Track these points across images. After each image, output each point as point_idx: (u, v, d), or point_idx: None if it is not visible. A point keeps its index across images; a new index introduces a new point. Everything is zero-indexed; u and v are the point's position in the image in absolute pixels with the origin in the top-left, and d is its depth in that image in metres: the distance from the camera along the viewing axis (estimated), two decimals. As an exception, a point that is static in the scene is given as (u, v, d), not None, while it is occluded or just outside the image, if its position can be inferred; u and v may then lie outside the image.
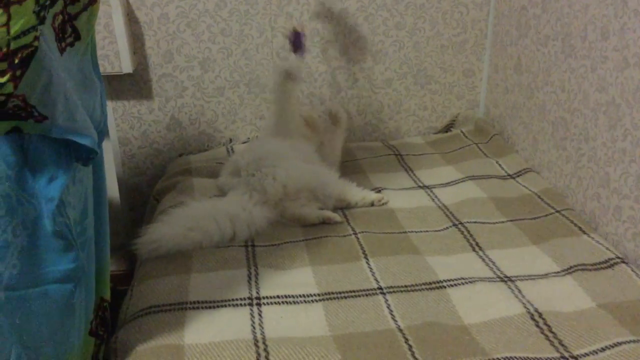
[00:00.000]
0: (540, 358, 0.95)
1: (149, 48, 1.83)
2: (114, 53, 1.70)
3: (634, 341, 0.98)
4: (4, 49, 0.71)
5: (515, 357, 0.95)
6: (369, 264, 1.22)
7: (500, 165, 1.69)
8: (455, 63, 1.98)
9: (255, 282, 1.17)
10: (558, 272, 1.18)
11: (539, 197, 1.49)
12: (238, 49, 1.86)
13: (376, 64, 1.95)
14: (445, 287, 1.14)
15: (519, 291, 1.12)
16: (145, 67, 1.85)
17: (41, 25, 0.75)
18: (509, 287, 1.13)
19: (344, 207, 1.48)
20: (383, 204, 1.50)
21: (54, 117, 0.79)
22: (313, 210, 1.43)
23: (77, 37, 0.87)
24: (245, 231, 1.34)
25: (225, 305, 1.10)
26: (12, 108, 0.75)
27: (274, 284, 1.17)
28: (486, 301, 1.10)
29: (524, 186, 1.56)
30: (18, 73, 0.73)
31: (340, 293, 1.13)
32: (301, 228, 1.39)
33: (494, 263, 1.22)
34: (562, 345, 0.98)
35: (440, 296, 1.12)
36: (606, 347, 0.97)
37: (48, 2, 0.77)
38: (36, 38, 0.74)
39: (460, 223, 1.38)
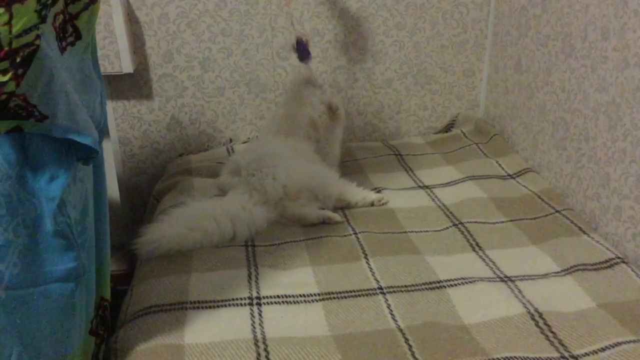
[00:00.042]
0: (540, 358, 0.95)
1: (149, 48, 1.83)
2: (114, 53, 1.70)
3: (634, 341, 0.98)
4: (6, 48, 0.71)
5: (515, 357, 0.95)
6: (369, 264, 1.23)
7: (500, 165, 1.69)
8: (456, 63, 1.98)
9: (256, 282, 1.17)
10: (558, 272, 1.18)
11: (539, 197, 1.49)
12: (238, 49, 1.86)
13: (376, 64, 1.95)
14: (445, 287, 1.14)
15: (519, 291, 1.12)
16: (145, 67, 1.85)
17: (43, 24, 0.75)
18: (509, 287, 1.13)
19: (344, 207, 1.48)
20: (383, 204, 1.50)
21: (55, 117, 0.79)
22: (313, 210, 1.43)
23: (78, 37, 0.87)
24: (245, 231, 1.34)
25: (226, 305, 1.10)
26: (13, 107, 0.75)
27: (274, 283, 1.17)
28: (486, 301, 1.10)
29: (524, 186, 1.56)
30: (20, 71, 0.73)
31: (340, 293, 1.13)
32: (301, 228, 1.39)
33: (494, 263, 1.22)
34: (562, 345, 0.98)
35: (440, 296, 1.12)
36: (606, 347, 0.97)
37: (50, 1, 0.77)
38: (38, 37, 0.74)
39: (461, 223, 1.38)
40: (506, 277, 1.17)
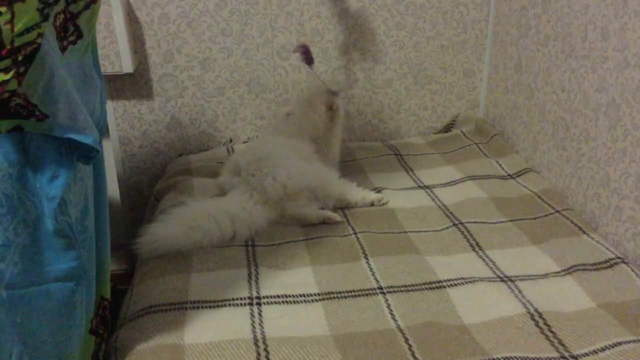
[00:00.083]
0: (540, 358, 0.95)
1: (149, 48, 1.83)
2: (114, 53, 1.70)
3: (634, 341, 0.98)
4: (8, 46, 0.71)
5: (515, 357, 0.95)
6: (369, 264, 1.23)
7: (500, 165, 1.70)
8: (456, 63, 1.98)
9: (256, 281, 1.18)
10: (558, 272, 1.18)
11: (539, 197, 1.49)
12: (238, 48, 1.86)
13: (376, 64, 1.95)
14: (445, 287, 1.14)
15: (519, 291, 1.12)
16: (145, 67, 1.85)
17: (44, 23, 0.75)
18: (509, 287, 1.13)
19: (344, 207, 1.48)
20: (383, 204, 1.50)
21: (56, 116, 0.79)
22: (313, 210, 1.43)
23: (79, 36, 0.87)
24: (245, 231, 1.34)
25: (226, 305, 1.10)
26: (14, 107, 0.75)
27: (274, 283, 1.17)
28: (486, 301, 1.10)
29: (524, 186, 1.56)
30: (22, 70, 0.73)
31: (340, 293, 1.13)
32: (301, 228, 1.39)
33: (494, 263, 1.22)
34: (562, 345, 0.98)
35: (440, 296, 1.12)
36: (606, 347, 0.97)
37: (52, 0, 0.77)
38: (40, 35, 0.74)
39: (461, 223, 1.38)
40: (506, 277, 1.17)
